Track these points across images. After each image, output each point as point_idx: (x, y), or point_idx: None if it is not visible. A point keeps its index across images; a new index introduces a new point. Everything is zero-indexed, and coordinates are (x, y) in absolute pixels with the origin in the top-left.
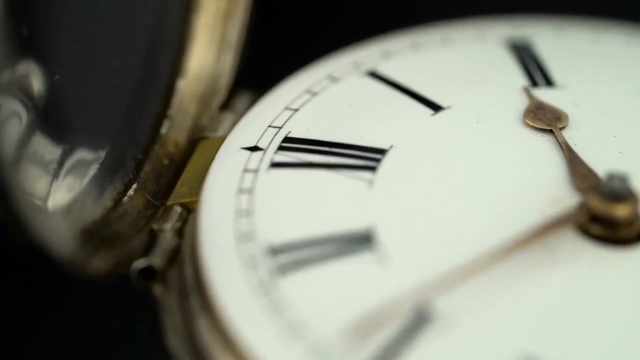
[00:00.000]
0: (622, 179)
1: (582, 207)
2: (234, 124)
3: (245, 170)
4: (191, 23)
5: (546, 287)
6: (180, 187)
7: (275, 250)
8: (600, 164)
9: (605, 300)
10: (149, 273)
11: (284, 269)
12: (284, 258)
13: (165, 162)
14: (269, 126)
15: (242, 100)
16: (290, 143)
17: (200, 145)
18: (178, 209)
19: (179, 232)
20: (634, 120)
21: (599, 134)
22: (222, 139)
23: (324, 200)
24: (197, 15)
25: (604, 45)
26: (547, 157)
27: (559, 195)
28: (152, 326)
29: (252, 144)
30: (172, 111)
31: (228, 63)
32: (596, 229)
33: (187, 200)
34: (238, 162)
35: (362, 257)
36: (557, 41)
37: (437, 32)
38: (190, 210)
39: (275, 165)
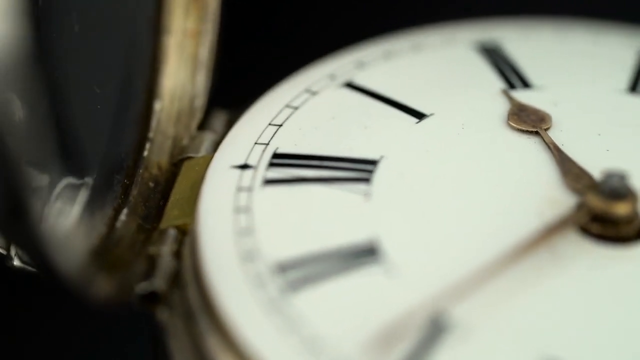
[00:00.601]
0: (621, 176)
1: (583, 207)
2: (215, 143)
3: (239, 189)
4: (161, 44)
5: (557, 289)
6: (172, 210)
7: (283, 267)
8: (590, 163)
9: (616, 298)
10: (152, 297)
11: (295, 286)
12: (293, 274)
13: (151, 185)
14: (256, 143)
15: (219, 119)
16: (280, 159)
17: (184, 166)
18: (172, 231)
19: (177, 255)
20: (615, 117)
21: (583, 133)
22: (207, 159)
23: (324, 215)
24: (167, 36)
25: (571, 44)
26: (537, 158)
27: (554, 196)
28: (155, 349)
29: (241, 162)
30: (152, 133)
31: (202, 82)
32: (597, 228)
33: (181, 222)
34: (230, 181)
35: (369, 270)
36: (525, 42)
37: (406, 39)
38: (185, 232)
39: (269, 182)
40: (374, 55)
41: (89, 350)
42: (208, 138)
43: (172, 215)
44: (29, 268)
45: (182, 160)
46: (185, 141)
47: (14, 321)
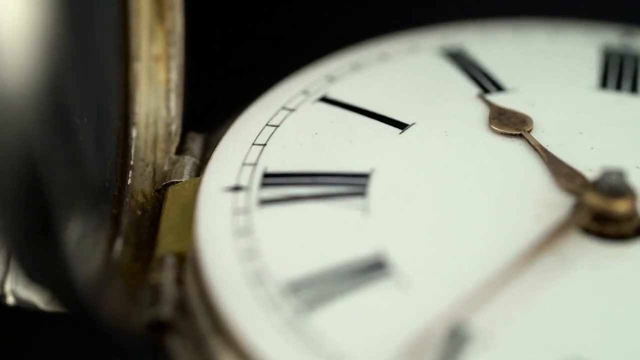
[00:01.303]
0: (620, 174)
1: (583, 207)
2: (196, 166)
3: (235, 211)
4: (131, 71)
5: (568, 290)
6: (166, 237)
7: (296, 287)
8: (578, 162)
9: (626, 294)
10: (160, 326)
11: (311, 305)
12: (306, 294)
13: (139, 213)
14: (243, 164)
15: (195, 142)
16: (271, 178)
17: (170, 192)
18: (170, 258)
19: (178, 281)
20: (593, 115)
21: (565, 132)
22: (194, 183)
23: (326, 232)
24: (135, 63)
25: (533, 44)
26: (524, 161)
27: (549, 198)
28: None
29: (232, 184)
30: (132, 161)
31: (175, 107)
32: (598, 226)
33: (178, 248)
34: (224, 204)
35: (380, 285)
36: (487, 45)
37: (372, 49)
38: (183, 258)
39: (265, 202)
40: (342, 68)
41: None
42: (188, 162)
43: (167, 242)
44: (24, 305)
45: (166, 186)
46: (166, 167)
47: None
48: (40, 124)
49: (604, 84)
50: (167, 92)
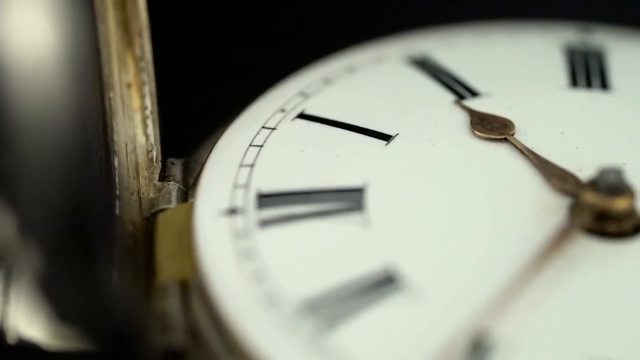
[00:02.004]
0: (617, 171)
1: (583, 207)
2: (181, 191)
3: (236, 235)
4: (106, 100)
5: (581, 291)
6: (165, 264)
7: (313, 307)
8: (566, 162)
9: (636, 291)
10: (173, 355)
11: (330, 323)
12: (324, 312)
13: (131, 242)
14: (234, 186)
15: (176, 167)
16: (267, 199)
17: (160, 219)
18: (173, 286)
19: (185, 308)
20: (571, 113)
21: (547, 133)
22: (185, 208)
23: (331, 250)
24: (109, 91)
25: (496, 46)
26: (513, 165)
27: (544, 199)
28: None
29: (227, 207)
30: (118, 191)
31: (152, 133)
32: (600, 225)
33: (178, 275)
34: (223, 228)
35: (394, 300)
36: (451, 51)
37: (339, 63)
38: (185, 285)
39: (265, 224)
40: (314, 84)
41: None
42: (173, 188)
43: (167, 270)
44: (26, 344)
45: (155, 214)
46: (151, 194)
47: None
48: (80, 156)
49: (574, 82)
50: (144, 119)
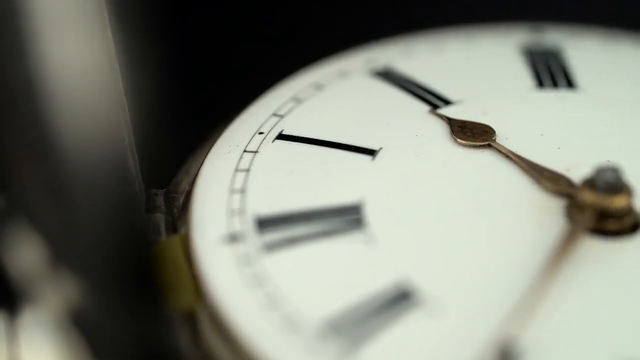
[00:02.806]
0: (614, 170)
1: (584, 207)
2: (169, 222)
3: (241, 262)
4: None
5: (595, 291)
6: (177, 295)
7: (337, 328)
8: (552, 163)
9: None
10: None
11: (357, 342)
12: (348, 332)
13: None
14: (229, 212)
15: (159, 197)
16: (266, 223)
17: (155, 252)
18: (181, 318)
19: (196, 339)
20: (545, 114)
21: (527, 136)
22: (178, 239)
23: (340, 270)
24: None
25: (453, 53)
26: (500, 169)
27: (540, 202)
28: None
29: (226, 234)
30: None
31: (132, 165)
32: (601, 224)
33: (184, 307)
34: (226, 256)
35: (412, 315)
36: (413, 60)
37: (305, 80)
38: (191, 314)
39: (269, 248)
40: (286, 103)
41: None
42: (161, 219)
43: (170, 302)
44: None
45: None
46: (146, 224)
47: None
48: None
49: (540, 83)
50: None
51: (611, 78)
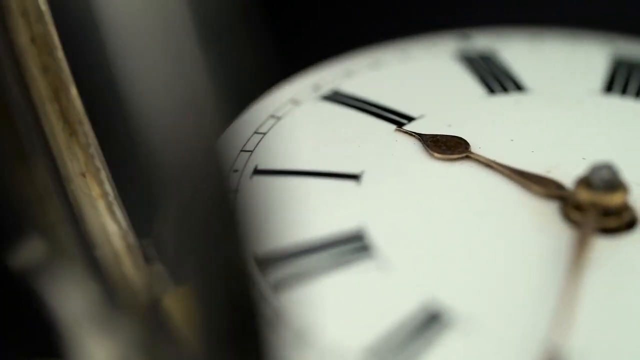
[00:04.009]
0: (609, 167)
1: (585, 207)
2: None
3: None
4: (70, 192)
5: (617, 289)
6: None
7: (379, 355)
8: (531, 167)
9: None
10: None
11: None
12: (391, 358)
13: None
14: None
15: (149, 246)
16: (267, 261)
17: (168, 302)
18: None
19: None
20: (507, 119)
21: (498, 143)
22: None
23: (362, 300)
24: (69, 183)
25: (392, 68)
26: (484, 179)
27: (535, 207)
28: None
29: None
30: (113, 282)
31: (121, 218)
32: (603, 222)
33: None
34: None
35: (449, 336)
36: (356, 80)
37: (260, 110)
38: None
39: (279, 286)
40: (252, 139)
41: None
42: (160, 269)
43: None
44: None
45: (157, 299)
46: (143, 279)
47: None
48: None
49: (490, 89)
50: (109, 205)
51: (552, 76)
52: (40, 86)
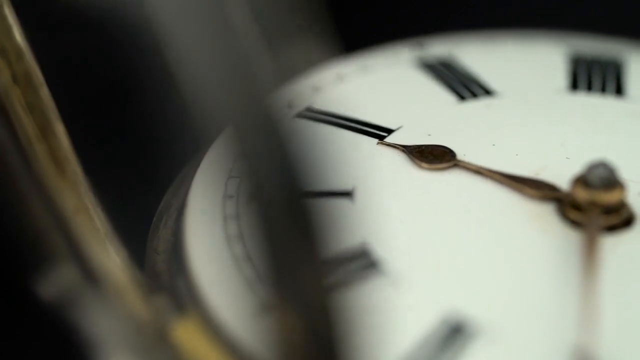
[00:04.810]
0: (605, 164)
1: (586, 207)
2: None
3: None
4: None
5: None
6: None
7: None
8: (519, 170)
9: None
10: None
11: None
12: None
13: None
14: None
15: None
16: None
17: (182, 332)
18: None
19: None
20: (484, 124)
21: (481, 149)
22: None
23: (380, 317)
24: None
25: (356, 82)
26: (475, 186)
27: (533, 211)
28: None
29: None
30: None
31: (118, 252)
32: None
33: None
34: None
35: (476, 346)
36: (323, 95)
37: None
38: None
39: None
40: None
41: None
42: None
43: None
44: None
45: (168, 329)
46: (150, 310)
47: None
48: None
49: (460, 96)
50: (105, 240)
51: (516, 77)
52: (27, 126)
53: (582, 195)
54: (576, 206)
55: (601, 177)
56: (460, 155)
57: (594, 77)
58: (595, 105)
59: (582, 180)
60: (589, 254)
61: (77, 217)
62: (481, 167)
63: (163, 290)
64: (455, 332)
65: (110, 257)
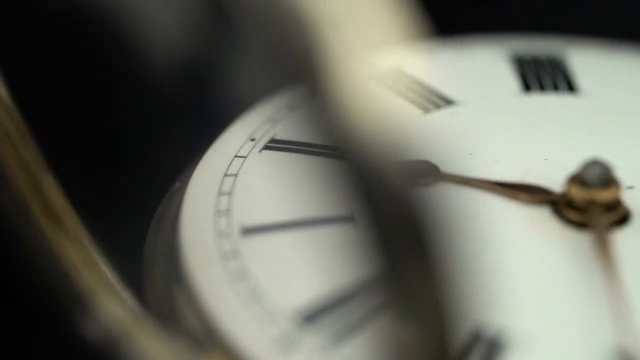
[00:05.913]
0: (599, 162)
1: (582, 205)
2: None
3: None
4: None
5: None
6: None
7: None
8: (505, 177)
9: None
10: None
11: None
12: None
13: None
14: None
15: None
16: (313, 319)
17: None
18: None
19: None
20: (456, 133)
21: (460, 159)
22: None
23: None
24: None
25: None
26: (467, 197)
27: (527, 215)
28: None
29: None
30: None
31: (127, 297)
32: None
33: None
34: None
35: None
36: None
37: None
38: None
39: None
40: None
41: None
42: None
43: None
44: None
45: None
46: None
47: None
48: None
49: (424, 108)
50: (109, 289)
51: (467, 84)
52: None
53: (579, 194)
54: (573, 206)
55: (598, 175)
56: (447, 168)
57: (543, 76)
58: (554, 104)
59: (577, 180)
60: (604, 253)
61: (79, 271)
62: (468, 178)
63: (179, 330)
64: (494, 346)
65: (119, 306)
